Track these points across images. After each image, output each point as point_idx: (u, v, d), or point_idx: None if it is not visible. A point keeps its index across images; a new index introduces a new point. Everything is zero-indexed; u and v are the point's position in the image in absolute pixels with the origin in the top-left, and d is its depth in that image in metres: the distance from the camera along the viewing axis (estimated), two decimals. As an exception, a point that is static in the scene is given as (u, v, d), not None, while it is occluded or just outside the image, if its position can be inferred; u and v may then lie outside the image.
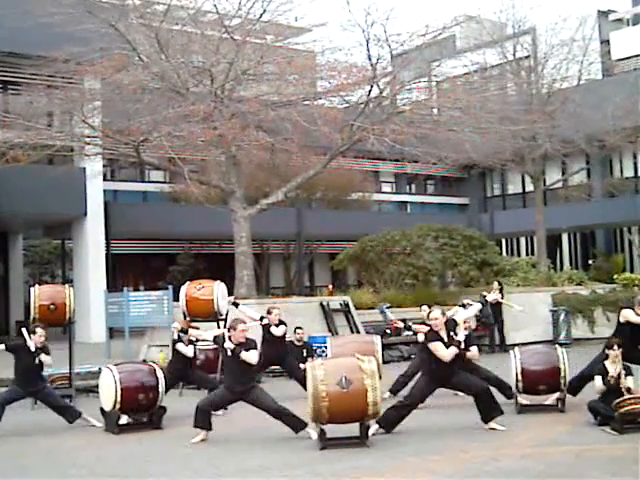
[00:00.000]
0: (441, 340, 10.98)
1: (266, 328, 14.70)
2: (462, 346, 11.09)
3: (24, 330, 12.50)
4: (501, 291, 21.89)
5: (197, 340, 13.62)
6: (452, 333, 11.03)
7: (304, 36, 24.73)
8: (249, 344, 11.01)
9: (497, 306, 21.73)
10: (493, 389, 11.97)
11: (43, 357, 12.23)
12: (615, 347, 11.33)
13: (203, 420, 10.98)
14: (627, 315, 12.63)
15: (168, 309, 19.17)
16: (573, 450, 9.70)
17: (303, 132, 21.26)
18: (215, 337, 11.54)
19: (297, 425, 10.80)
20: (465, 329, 12.68)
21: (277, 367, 16.28)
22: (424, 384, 11.29)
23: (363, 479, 8.83)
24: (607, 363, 11.32)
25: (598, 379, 11.18)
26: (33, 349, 12.13)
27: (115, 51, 20.42)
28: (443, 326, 11.06)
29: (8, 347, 12.38)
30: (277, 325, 14.81)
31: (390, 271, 24.65)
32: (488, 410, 11.13)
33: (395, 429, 10.97)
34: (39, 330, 12.37)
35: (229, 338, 11.00)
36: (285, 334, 14.91)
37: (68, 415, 12.39)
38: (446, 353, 10.89)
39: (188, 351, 13.51)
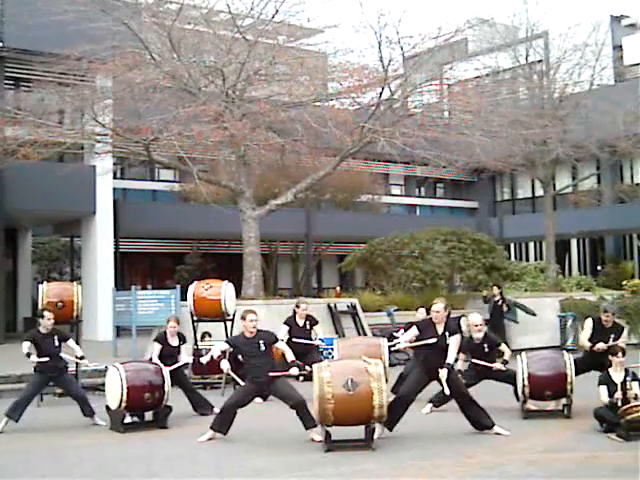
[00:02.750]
0: (426, 330, 11.11)
1: (293, 320, 14.97)
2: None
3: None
4: (501, 294, 21.93)
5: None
6: (447, 333, 11.04)
7: (316, 37, 24.67)
8: (268, 337, 11.23)
9: (499, 311, 21.73)
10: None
11: (71, 343, 12.89)
12: (619, 354, 11.29)
13: (222, 423, 10.98)
14: (582, 343, 13.20)
15: (175, 308, 19.17)
16: (578, 456, 9.68)
17: (313, 133, 21.24)
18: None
19: (309, 422, 10.76)
20: (479, 330, 12.82)
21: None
22: (413, 377, 11.34)
23: (367, 482, 8.84)
24: (611, 371, 11.29)
25: (603, 389, 11.13)
26: (43, 332, 12.50)
27: (127, 49, 20.46)
28: (442, 320, 11.08)
29: (27, 338, 12.54)
30: (304, 320, 15.07)
31: (398, 274, 24.62)
32: (477, 417, 11.15)
33: (401, 432, 10.95)
34: (47, 313, 12.62)
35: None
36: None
37: (84, 408, 12.48)
38: (404, 339, 11.39)
39: (155, 351, 13.44)
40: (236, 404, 11.05)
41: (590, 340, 12.92)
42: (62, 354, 12.74)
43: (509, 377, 12.82)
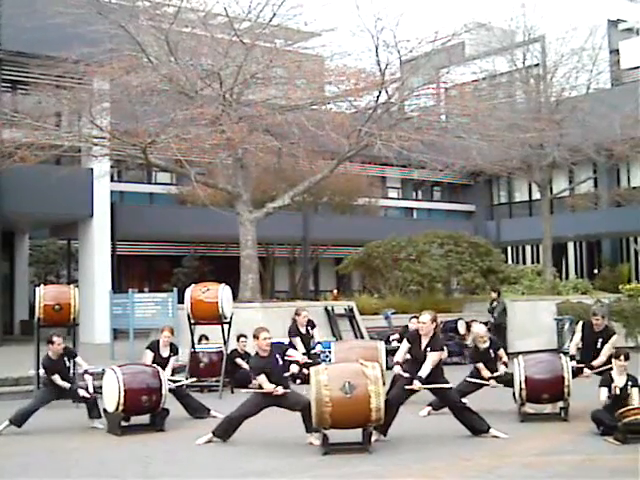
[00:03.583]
0: (414, 344, 11.13)
1: (296, 327, 14.95)
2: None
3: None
4: (499, 297, 22.09)
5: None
6: (430, 349, 11.01)
7: (313, 41, 24.71)
8: (279, 349, 11.20)
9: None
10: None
11: (79, 360, 12.82)
12: (622, 357, 11.30)
13: (226, 431, 10.93)
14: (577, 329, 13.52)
15: (173, 311, 19.18)
16: (575, 459, 9.68)
17: (311, 137, 21.27)
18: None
19: (312, 426, 10.71)
20: (484, 341, 12.85)
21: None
22: (403, 382, 11.34)
23: (365, 485, 8.84)
24: (613, 373, 11.30)
25: (604, 390, 11.14)
26: (55, 358, 12.47)
27: (124, 52, 20.45)
28: (430, 333, 11.06)
29: (47, 372, 12.55)
30: (306, 326, 15.07)
31: (395, 277, 24.63)
32: (472, 423, 11.15)
33: (398, 435, 10.95)
34: (56, 339, 12.56)
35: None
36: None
37: (92, 410, 12.49)
38: (396, 359, 11.33)
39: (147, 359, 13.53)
40: (244, 416, 10.99)
41: (582, 343, 13.14)
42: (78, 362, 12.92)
43: (510, 381, 12.82)
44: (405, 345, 11.34)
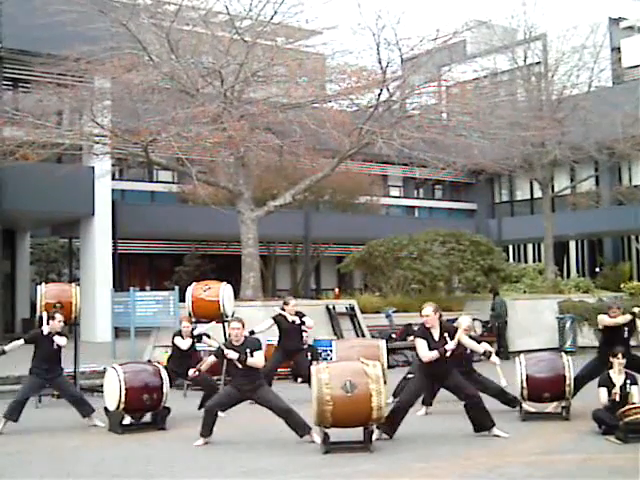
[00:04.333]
0: (427, 338, 10.96)
1: (283, 317, 14.81)
2: (449, 354, 10.87)
3: (44, 316, 12.91)
4: (495, 297, 22.15)
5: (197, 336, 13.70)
6: (447, 337, 10.93)
7: (314, 39, 24.68)
8: (253, 344, 11.09)
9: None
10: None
11: (57, 338, 12.41)
12: (620, 356, 11.29)
13: (206, 425, 10.89)
14: (602, 319, 12.92)
15: (174, 309, 19.16)
16: (577, 458, 9.68)
17: (312, 135, 21.24)
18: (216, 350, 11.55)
19: (302, 428, 10.75)
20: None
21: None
22: (415, 382, 11.28)
23: (366, 484, 8.82)
24: (612, 373, 11.28)
25: (603, 391, 11.12)
26: (46, 332, 12.37)
27: (125, 51, 20.42)
28: (436, 324, 11.00)
29: (27, 339, 12.53)
30: (293, 316, 14.96)
31: (397, 275, 24.62)
32: (480, 420, 11.10)
33: (399, 434, 10.94)
34: (58, 315, 12.58)
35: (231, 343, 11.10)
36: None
37: (82, 409, 12.45)
38: (425, 354, 10.89)
39: (183, 344, 13.56)
40: (218, 405, 11.03)
41: (606, 339, 12.84)
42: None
43: (488, 389, 12.77)
44: (422, 341, 11.07)
